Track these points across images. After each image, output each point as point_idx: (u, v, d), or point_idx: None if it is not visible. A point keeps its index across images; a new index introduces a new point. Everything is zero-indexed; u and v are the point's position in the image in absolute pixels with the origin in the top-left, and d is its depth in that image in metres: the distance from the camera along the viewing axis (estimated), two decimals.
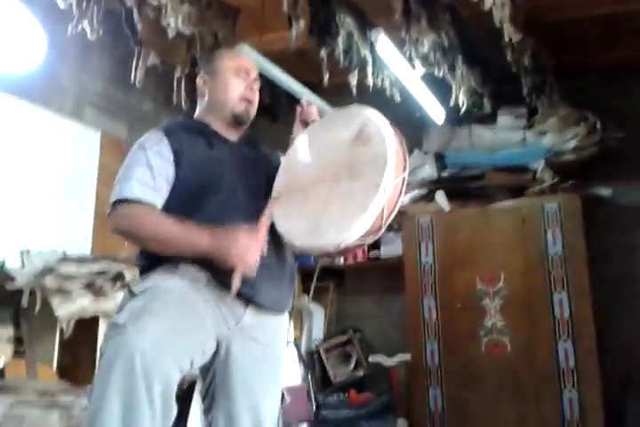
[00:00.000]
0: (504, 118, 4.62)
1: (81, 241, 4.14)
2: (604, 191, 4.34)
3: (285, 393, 1.91)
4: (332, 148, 1.72)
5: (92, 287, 3.36)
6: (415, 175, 4.88)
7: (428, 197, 4.72)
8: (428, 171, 4.83)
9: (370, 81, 4.45)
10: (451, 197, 4.60)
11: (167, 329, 1.54)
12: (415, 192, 4.76)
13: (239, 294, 1.64)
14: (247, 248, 1.56)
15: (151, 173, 1.70)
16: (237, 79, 1.87)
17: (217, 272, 1.64)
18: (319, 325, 4.75)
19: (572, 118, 4.37)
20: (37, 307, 3.26)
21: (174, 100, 4.65)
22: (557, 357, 3.99)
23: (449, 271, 4.48)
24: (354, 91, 4.39)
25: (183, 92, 4.66)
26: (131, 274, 3.46)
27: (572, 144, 4.31)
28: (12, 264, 3.61)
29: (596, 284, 4.12)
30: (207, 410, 1.74)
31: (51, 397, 2.61)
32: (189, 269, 1.66)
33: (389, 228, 4.73)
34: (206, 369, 1.72)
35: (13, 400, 2.46)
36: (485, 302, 4.29)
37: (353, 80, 4.25)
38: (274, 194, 1.76)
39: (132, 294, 1.65)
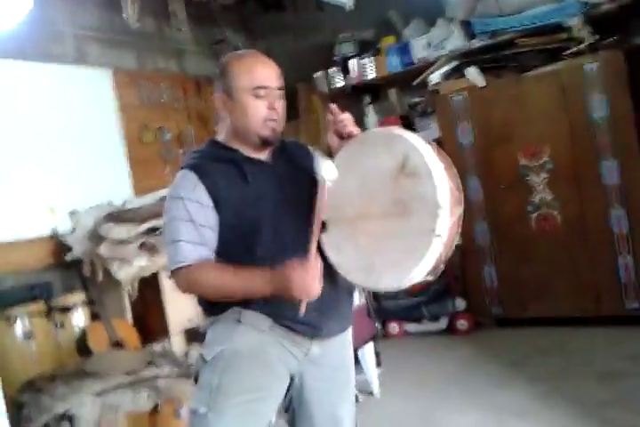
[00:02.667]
0: None
1: (121, 186, 4.21)
2: None
3: None
4: (375, 177, 1.63)
5: (145, 247, 3.49)
6: (443, 48, 4.58)
7: (460, 73, 4.43)
8: (456, 41, 4.50)
9: None
10: (483, 70, 4.30)
11: (245, 405, 1.68)
12: (445, 68, 4.47)
13: (304, 334, 1.72)
14: (305, 280, 1.57)
15: (195, 228, 1.68)
16: (256, 101, 1.71)
17: (278, 316, 1.70)
18: None
19: None
20: (100, 275, 3.45)
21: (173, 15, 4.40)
22: (610, 225, 3.97)
23: (490, 150, 4.35)
24: None
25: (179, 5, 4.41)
26: None
27: None
28: (64, 227, 3.78)
29: None
30: None
31: (135, 374, 2.86)
32: (252, 317, 1.70)
33: (423, 113, 4.57)
34: (284, 400, 1.84)
35: (105, 387, 2.72)
36: (530, 178, 4.21)
37: None
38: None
39: (204, 361, 1.74)
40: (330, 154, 1.80)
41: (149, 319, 3.66)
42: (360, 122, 5.10)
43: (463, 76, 4.40)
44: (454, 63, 4.48)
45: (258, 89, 1.70)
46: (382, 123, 4.99)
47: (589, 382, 3.19)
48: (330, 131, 1.80)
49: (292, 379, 1.78)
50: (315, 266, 1.59)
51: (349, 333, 1.93)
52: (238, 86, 1.71)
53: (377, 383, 3.50)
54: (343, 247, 1.66)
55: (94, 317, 3.57)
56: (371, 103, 5.11)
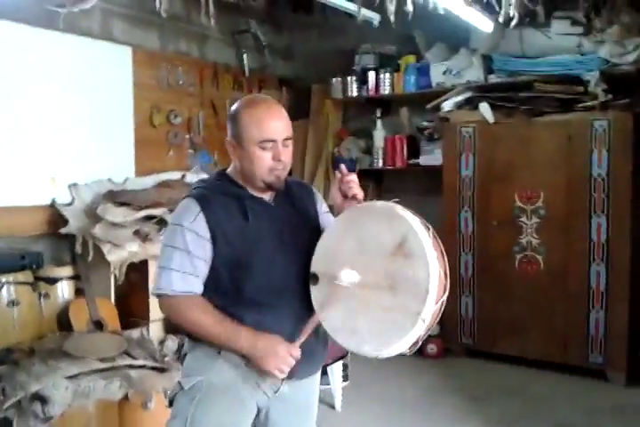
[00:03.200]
0: (559, 24, 4.20)
1: (124, 164, 4.23)
2: None
3: None
4: (372, 247, 1.70)
5: (139, 234, 3.54)
6: (460, 78, 4.68)
7: (472, 105, 4.52)
8: (475, 73, 4.60)
9: None
10: (495, 106, 4.39)
11: None
12: (459, 98, 4.56)
13: None
14: (282, 363, 1.69)
15: (189, 258, 1.75)
16: (264, 152, 1.77)
17: None
18: None
19: (635, 27, 3.97)
20: (91, 255, 3.49)
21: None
22: (589, 279, 4.11)
23: (488, 186, 4.46)
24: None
25: None
26: None
27: (632, 56, 3.97)
28: (63, 199, 3.81)
29: (636, 202, 4.06)
30: None
31: (110, 362, 2.93)
32: (231, 355, 1.79)
33: (430, 138, 4.62)
34: None
35: (79, 371, 2.79)
36: (522, 220, 4.33)
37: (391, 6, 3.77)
38: (313, 280, 1.78)
39: (181, 388, 1.82)
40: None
41: (131, 302, 3.70)
42: (368, 135, 5.20)
43: (475, 108, 4.48)
44: (469, 94, 4.57)
45: (265, 142, 1.76)
46: (390, 140, 5.07)
47: None
48: (335, 187, 1.87)
49: (258, 411, 1.88)
50: (297, 354, 1.70)
51: (319, 373, 2.04)
52: (247, 137, 1.77)
53: (340, 398, 3.62)
54: (331, 304, 1.73)
55: (78, 292, 3.62)
56: (381, 117, 5.17)
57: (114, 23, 4.21)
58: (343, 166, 1.86)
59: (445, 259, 1.67)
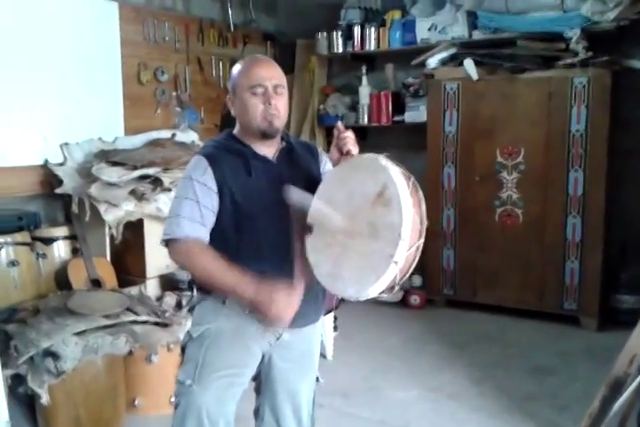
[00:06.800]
0: None
1: (113, 123, 4.27)
2: (637, 64, 4.20)
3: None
4: (358, 197, 1.81)
5: (135, 193, 3.62)
6: (445, 34, 4.72)
7: (457, 61, 4.59)
8: (459, 30, 4.64)
9: None
10: (479, 63, 4.47)
11: (225, 379, 1.91)
12: (444, 54, 4.61)
13: None
14: (285, 308, 1.78)
15: (199, 207, 1.86)
16: (254, 98, 1.89)
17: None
18: None
19: None
20: (88, 215, 3.57)
21: None
22: (565, 230, 4.31)
23: (471, 142, 4.58)
24: None
25: None
26: (167, 179, 3.69)
27: (612, 14, 4.05)
28: (55, 160, 3.86)
29: (611, 157, 4.23)
30: (256, 402, 2.18)
31: (115, 318, 3.06)
32: (236, 301, 1.91)
33: (415, 94, 4.72)
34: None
35: (86, 328, 2.92)
36: (503, 175, 4.48)
37: None
38: (308, 226, 1.89)
39: (191, 337, 1.97)
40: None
41: (127, 260, 3.81)
42: (354, 91, 5.26)
43: (460, 65, 4.55)
44: (453, 50, 4.63)
45: (254, 87, 1.89)
46: (375, 96, 5.13)
47: (520, 375, 3.57)
48: (333, 144, 1.99)
49: (262, 356, 2.03)
50: (299, 294, 1.79)
51: (320, 322, 2.18)
52: (239, 86, 1.92)
53: (331, 348, 3.81)
54: (321, 252, 1.85)
55: (74, 251, 3.71)
56: (366, 73, 5.21)
57: None
58: (340, 123, 1.97)
59: (423, 207, 1.76)
